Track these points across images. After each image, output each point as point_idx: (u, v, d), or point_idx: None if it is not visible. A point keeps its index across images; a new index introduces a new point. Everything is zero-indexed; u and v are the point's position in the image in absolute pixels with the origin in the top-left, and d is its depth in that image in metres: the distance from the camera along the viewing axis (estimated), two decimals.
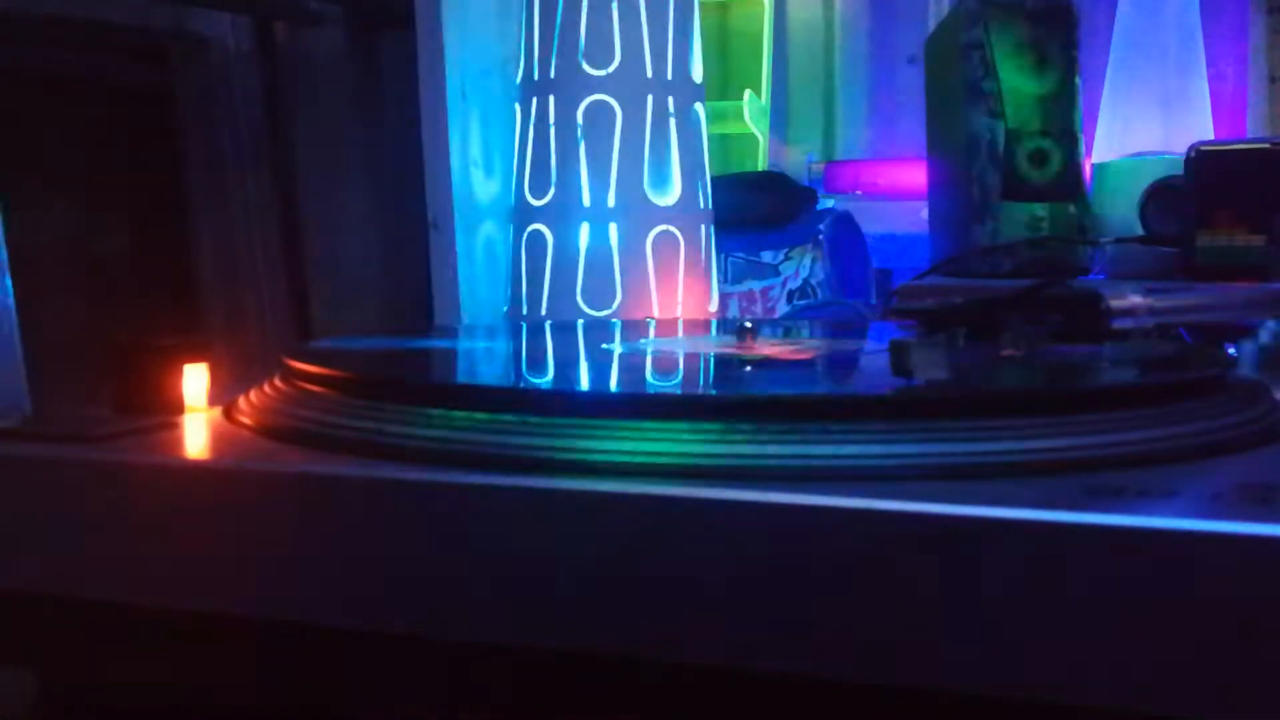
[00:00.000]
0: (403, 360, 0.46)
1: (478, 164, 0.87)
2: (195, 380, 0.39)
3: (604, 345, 0.49)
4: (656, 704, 0.28)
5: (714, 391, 0.39)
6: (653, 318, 0.74)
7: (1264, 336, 0.45)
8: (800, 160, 1.32)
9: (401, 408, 0.33)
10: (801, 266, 0.99)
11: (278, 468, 0.31)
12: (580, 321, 0.71)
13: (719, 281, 0.84)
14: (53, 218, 0.85)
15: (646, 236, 0.74)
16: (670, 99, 0.74)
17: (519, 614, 0.28)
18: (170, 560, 0.32)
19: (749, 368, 0.42)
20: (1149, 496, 0.26)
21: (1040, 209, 0.84)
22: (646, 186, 0.74)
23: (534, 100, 0.76)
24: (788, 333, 0.57)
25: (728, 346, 0.46)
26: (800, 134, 1.38)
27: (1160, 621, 0.24)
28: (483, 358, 0.48)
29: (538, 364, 0.46)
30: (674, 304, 0.76)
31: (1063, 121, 0.84)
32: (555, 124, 0.74)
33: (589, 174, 0.74)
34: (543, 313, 0.75)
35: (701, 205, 0.77)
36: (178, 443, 0.34)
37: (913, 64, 1.27)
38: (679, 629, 0.27)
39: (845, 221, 1.05)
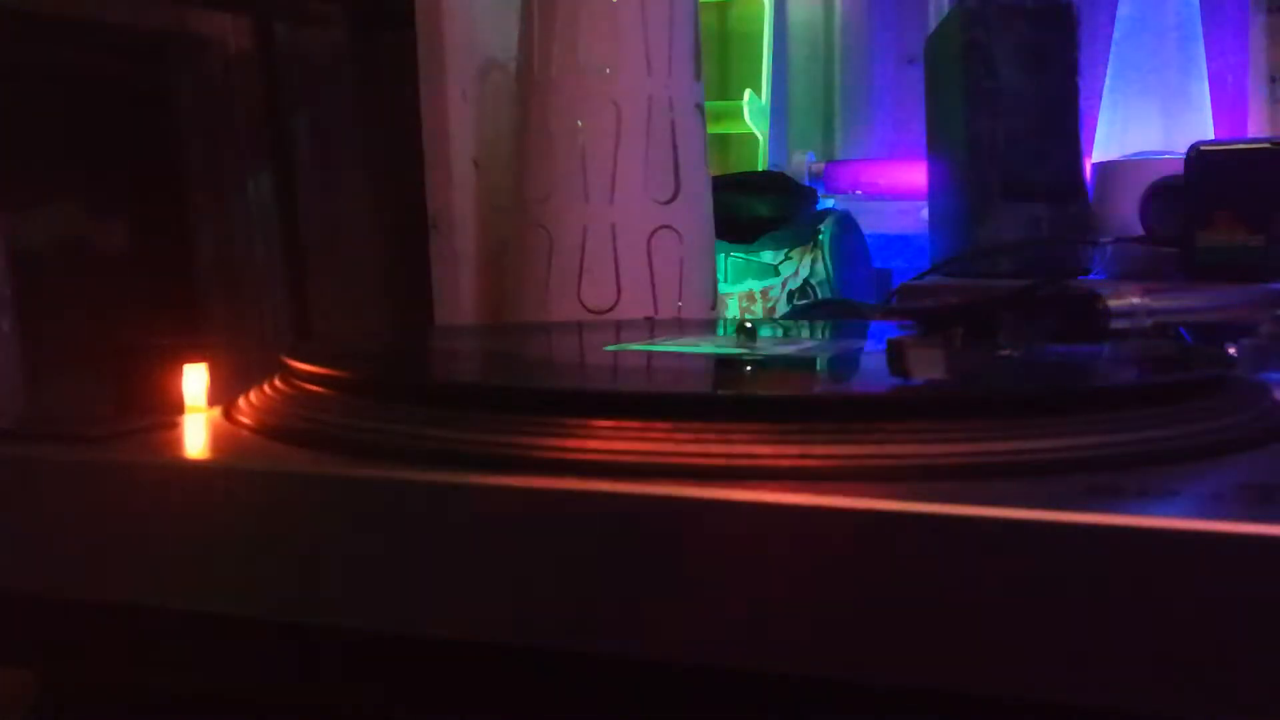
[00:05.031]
0: (403, 360, 0.46)
1: (478, 164, 0.87)
2: (195, 380, 0.39)
3: (604, 345, 0.49)
4: (656, 704, 0.28)
5: (714, 391, 0.39)
6: (653, 317, 0.74)
7: (1264, 337, 0.45)
8: (800, 160, 1.32)
9: (402, 408, 0.33)
10: (801, 266, 0.99)
11: (277, 468, 0.31)
12: (580, 322, 0.71)
13: (719, 281, 0.84)
14: (52, 217, 0.85)
15: (646, 236, 0.74)
16: (670, 99, 0.74)
17: (519, 614, 0.28)
18: (170, 560, 0.32)
19: (748, 368, 0.42)
20: (1149, 496, 0.26)
21: (1040, 209, 0.84)
22: (646, 186, 0.74)
23: (534, 100, 0.76)
24: (787, 332, 0.57)
25: (727, 346, 0.46)
26: (800, 134, 1.38)
27: (1160, 621, 0.24)
28: (483, 358, 0.48)
29: (538, 364, 0.46)
30: (674, 304, 0.76)
31: (1063, 121, 0.84)
32: (555, 124, 0.74)
33: (589, 174, 0.73)
34: (543, 313, 0.75)
35: (701, 205, 0.77)
36: (177, 443, 0.34)
37: (913, 64, 1.27)
38: (679, 629, 0.27)
39: (845, 221, 1.05)
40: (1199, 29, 0.99)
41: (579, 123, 0.73)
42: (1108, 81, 1.01)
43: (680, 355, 0.45)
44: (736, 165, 1.32)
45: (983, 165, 0.83)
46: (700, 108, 0.78)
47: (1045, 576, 0.24)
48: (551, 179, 0.74)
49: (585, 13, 0.73)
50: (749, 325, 0.47)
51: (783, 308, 0.98)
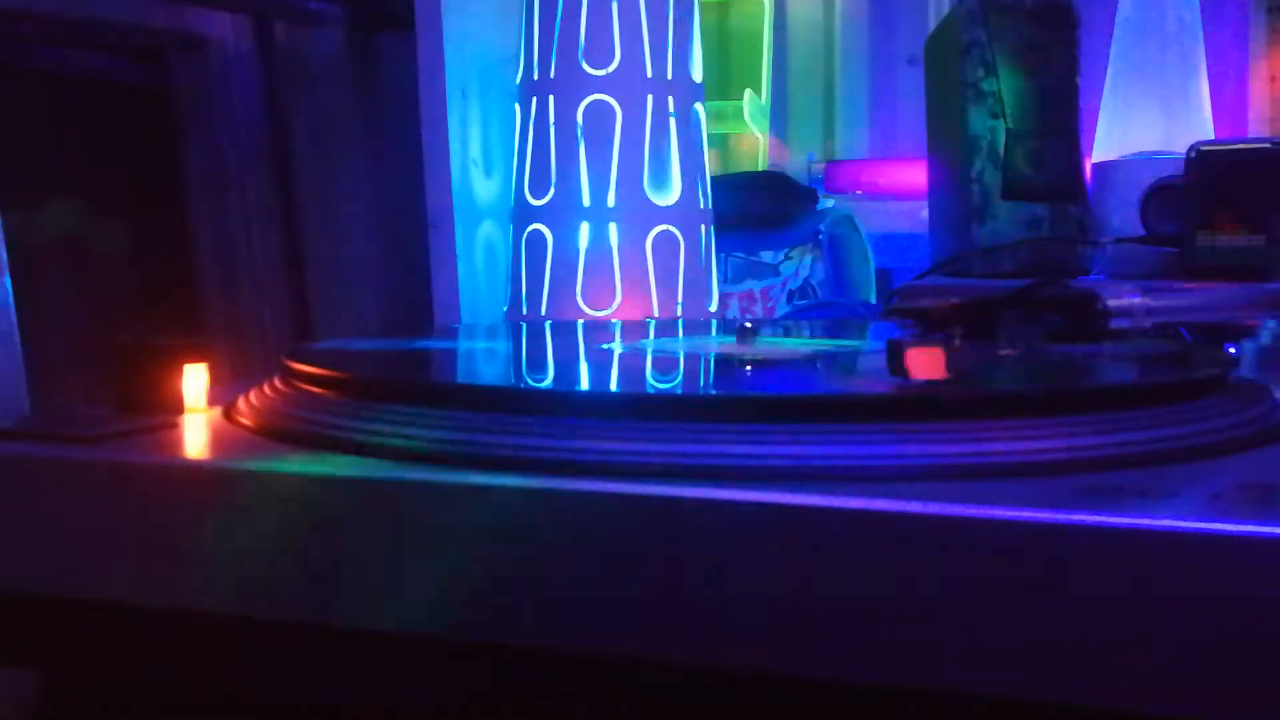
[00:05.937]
0: (402, 361, 0.46)
1: (478, 164, 0.87)
2: (195, 380, 0.39)
3: (603, 345, 0.49)
4: (657, 704, 0.28)
5: (713, 392, 0.39)
6: (652, 318, 0.74)
7: (1264, 336, 0.45)
8: (800, 160, 1.32)
9: (401, 408, 0.33)
10: (801, 266, 0.99)
11: (278, 468, 0.31)
12: (580, 321, 0.71)
13: (719, 281, 0.84)
14: (52, 217, 0.85)
15: (646, 236, 0.74)
16: (670, 99, 0.74)
17: (519, 614, 0.28)
18: (170, 560, 0.32)
19: (748, 368, 0.42)
20: (1149, 496, 0.26)
21: (1040, 209, 0.84)
22: (646, 186, 0.74)
23: (534, 100, 0.76)
24: (788, 333, 0.57)
25: (727, 347, 0.46)
26: (800, 134, 1.38)
27: (1160, 621, 0.24)
28: (482, 358, 0.48)
29: (537, 364, 0.46)
30: (674, 304, 0.76)
31: (1063, 121, 0.84)
32: (555, 124, 0.74)
33: (589, 174, 0.74)
34: (542, 313, 0.75)
35: (701, 205, 0.77)
36: (177, 443, 0.34)
37: (913, 64, 1.27)
38: (679, 629, 0.27)
39: (845, 221, 1.05)
40: (1199, 29, 0.99)
41: (579, 123, 0.74)
42: (1108, 81, 1.01)
43: (679, 355, 0.45)
44: (736, 165, 1.32)
45: (983, 165, 0.83)
46: (700, 108, 0.78)
47: (1045, 576, 0.24)
48: (551, 179, 0.74)
49: (585, 13, 0.73)
50: (748, 325, 0.47)
51: (783, 308, 0.98)
